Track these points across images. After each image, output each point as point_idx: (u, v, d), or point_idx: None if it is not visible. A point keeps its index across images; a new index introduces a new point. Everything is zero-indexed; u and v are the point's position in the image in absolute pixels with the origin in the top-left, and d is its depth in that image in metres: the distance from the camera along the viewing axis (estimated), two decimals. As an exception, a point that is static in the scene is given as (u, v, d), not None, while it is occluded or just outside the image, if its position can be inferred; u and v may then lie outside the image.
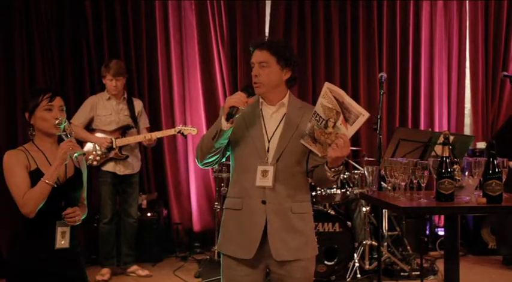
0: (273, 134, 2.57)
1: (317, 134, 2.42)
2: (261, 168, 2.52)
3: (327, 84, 2.38)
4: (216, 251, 5.35)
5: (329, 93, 2.36)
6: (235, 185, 2.62)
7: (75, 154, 2.52)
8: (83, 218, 2.69)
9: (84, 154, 2.60)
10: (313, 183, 2.72)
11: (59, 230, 2.56)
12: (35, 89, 2.80)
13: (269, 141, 2.56)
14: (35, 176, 2.52)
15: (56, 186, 2.55)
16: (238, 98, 2.44)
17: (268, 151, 2.55)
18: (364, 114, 2.28)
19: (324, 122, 2.38)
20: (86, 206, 2.78)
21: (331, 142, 2.37)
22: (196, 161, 2.64)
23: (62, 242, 2.57)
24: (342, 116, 2.33)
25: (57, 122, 2.56)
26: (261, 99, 2.62)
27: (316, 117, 2.41)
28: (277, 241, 2.51)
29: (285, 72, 2.58)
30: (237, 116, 2.45)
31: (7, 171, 2.53)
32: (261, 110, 2.61)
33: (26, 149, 2.60)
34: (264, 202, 2.52)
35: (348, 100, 2.32)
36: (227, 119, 2.43)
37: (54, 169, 2.50)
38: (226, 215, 2.65)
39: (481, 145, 5.97)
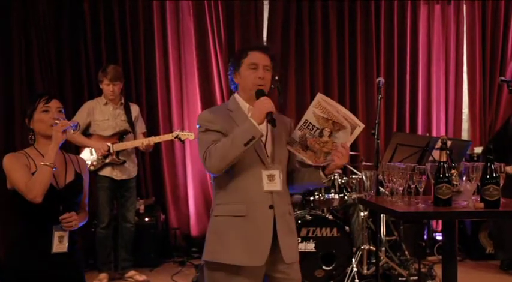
0: (266, 139, 2.59)
1: (310, 142, 2.49)
2: (266, 173, 2.53)
3: (319, 95, 2.45)
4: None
5: (323, 102, 2.42)
6: (235, 191, 2.55)
7: (71, 127, 2.57)
8: (83, 223, 2.69)
9: (77, 124, 2.63)
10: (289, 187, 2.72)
11: (56, 234, 2.56)
12: (33, 94, 2.86)
13: (265, 146, 2.57)
14: None
15: (54, 190, 2.56)
16: (269, 103, 2.46)
17: (268, 155, 2.57)
18: (360, 126, 2.40)
19: (318, 131, 2.46)
20: (86, 212, 2.78)
21: (327, 150, 2.47)
22: (209, 170, 2.51)
23: (59, 246, 2.57)
24: (349, 127, 2.41)
25: (56, 122, 2.58)
26: (248, 105, 2.62)
27: (308, 126, 2.47)
28: (286, 244, 2.55)
29: None
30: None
31: (9, 169, 2.55)
32: (248, 115, 2.58)
33: (26, 152, 2.62)
34: (271, 207, 2.52)
35: (344, 111, 2.41)
36: (273, 125, 2.44)
37: (50, 150, 2.53)
38: (222, 223, 2.56)
39: (479, 150, 5.98)
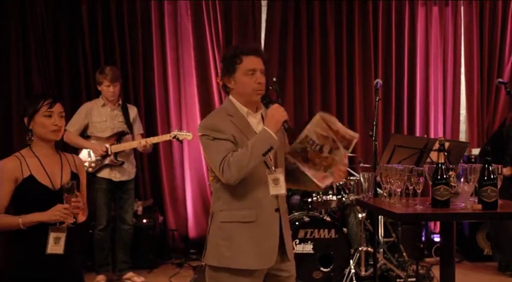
0: None
1: (311, 156, 2.56)
2: (271, 177, 2.54)
3: (320, 114, 2.53)
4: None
5: (322, 122, 2.50)
6: (243, 197, 2.53)
7: (62, 225, 2.53)
8: (82, 221, 2.71)
9: (63, 230, 2.56)
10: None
11: (52, 235, 2.53)
12: (35, 94, 2.83)
13: None
14: (29, 182, 2.54)
15: (50, 191, 2.56)
16: (283, 111, 2.49)
17: (271, 160, 2.58)
18: (356, 137, 2.54)
19: (318, 146, 2.53)
20: (86, 209, 2.76)
21: (327, 164, 2.56)
22: (227, 181, 2.46)
23: (55, 247, 2.54)
24: (347, 144, 2.53)
25: (55, 128, 2.58)
26: (246, 109, 2.61)
27: (308, 141, 2.53)
28: (289, 243, 2.63)
29: None
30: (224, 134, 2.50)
31: None
32: (248, 120, 2.61)
33: (22, 155, 2.60)
34: (277, 210, 2.57)
35: (340, 126, 2.52)
36: (290, 133, 2.51)
37: (35, 219, 2.50)
38: (233, 229, 2.53)
39: (477, 151, 5.98)
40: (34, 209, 2.51)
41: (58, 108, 2.62)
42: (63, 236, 2.55)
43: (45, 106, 2.58)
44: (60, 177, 2.63)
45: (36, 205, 2.52)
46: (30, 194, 2.53)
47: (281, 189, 2.55)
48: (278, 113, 2.47)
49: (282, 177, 2.57)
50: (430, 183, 2.77)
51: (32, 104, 2.61)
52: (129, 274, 5.16)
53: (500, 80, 5.29)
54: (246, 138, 2.51)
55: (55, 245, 2.53)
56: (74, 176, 2.68)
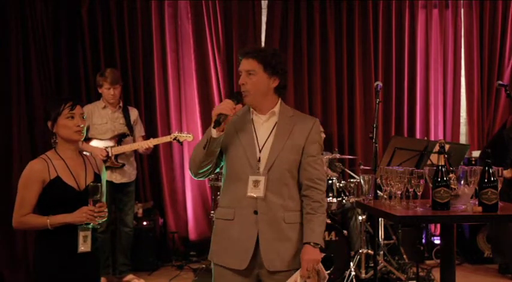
0: (265, 144, 2.57)
1: None
2: (252, 178, 2.53)
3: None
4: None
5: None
6: (227, 194, 2.62)
7: (89, 225, 2.67)
8: (101, 221, 2.78)
9: (89, 229, 2.69)
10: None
11: (81, 234, 2.66)
12: (56, 98, 2.97)
13: (260, 151, 2.56)
14: (55, 183, 2.65)
15: (76, 192, 2.67)
16: (225, 105, 2.48)
17: (259, 161, 2.55)
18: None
19: None
20: (106, 211, 2.84)
21: None
22: (190, 172, 2.67)
23: (84, 246, 2.67)
24: None
25: (78, 129, 2.70)
26: (251, 109, 2.63)
27: None
28: (270, 251, 2.52)
29: (272, 80, 2.58)
30: (225, 123, 2.48)
31: (23, 181, 2.66)
32: (252, 119, 2.62)
33: (48, 157, 2.71)
34: (255, 212, 2.52)
35: None
36: (214, 126, 2.45)
37: (62, 220, 2.62)
38: (218, 225, 2.65)
39: (477, 154, 5.98)
40: (60, 208, 2.63)
41: (79, 109, 2.74)
42: (89, 235, 2.70)
43: (67, 109, 2.70)
44: (84, 178, 2.74)
45: (62, 205, 2.64)
46: (57, 195, 2.65)
47: (259, 192, 2.51)
48: (217, 107, 2.51)
49: (263, 180, 2.51)
50: (431, 185, 2.78)
51: (54, 108, 2.72)
52: (130, 276, 5.16)
53: (501, 82, 5.29)
54: (237, 137, 2.58)
55: (84, 243, 2.68)
56: (97, 177, 2.79)
